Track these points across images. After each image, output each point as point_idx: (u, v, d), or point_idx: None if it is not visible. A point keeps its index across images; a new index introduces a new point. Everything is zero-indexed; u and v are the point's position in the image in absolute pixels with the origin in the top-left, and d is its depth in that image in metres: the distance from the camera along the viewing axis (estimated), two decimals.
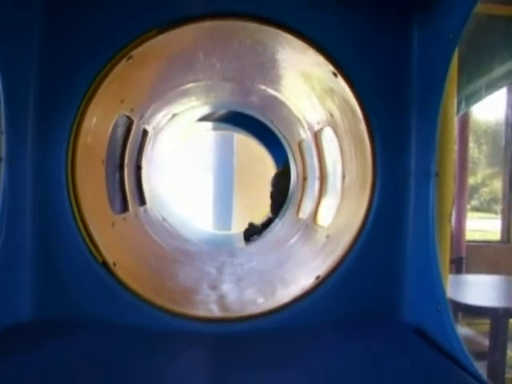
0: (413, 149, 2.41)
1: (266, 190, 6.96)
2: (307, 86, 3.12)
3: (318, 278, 2.57)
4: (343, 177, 3.08)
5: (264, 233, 5.63)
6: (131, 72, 2.64)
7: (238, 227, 6.27)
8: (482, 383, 1.82)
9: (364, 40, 2.46)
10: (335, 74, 2.50)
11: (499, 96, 6.47)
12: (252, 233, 5.73)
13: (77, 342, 2.19)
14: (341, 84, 2.52)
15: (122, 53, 2.39)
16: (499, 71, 3.77)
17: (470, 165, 6.62)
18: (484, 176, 15.11)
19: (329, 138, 3.49)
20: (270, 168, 7.15)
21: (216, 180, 9.76)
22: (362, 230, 2.50)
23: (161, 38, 2.41)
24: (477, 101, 4.11)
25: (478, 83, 3.87)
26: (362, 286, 2.50)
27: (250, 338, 2.38)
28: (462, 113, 4.56)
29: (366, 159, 2.54)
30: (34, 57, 2.31)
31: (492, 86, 3.96)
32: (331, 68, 2.48)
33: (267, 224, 5.96)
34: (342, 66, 2.46)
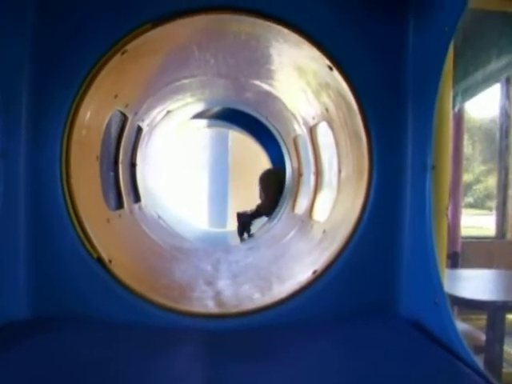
0: (409, 142, 2.40)
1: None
2: (302, 81, 3.11)
3: (314, 272, 2.56)
4: (339, 171, 3.08)
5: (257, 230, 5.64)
6: (125, 67, 2.62)
7: (233, 225, 6.24)
8: (480, 375, 1.81)
9: (359, 33, 2.45)
10: (331, 68, 2.49)
11: (493, 93, 6.48)
12: (245, 223, 5.72)
13: (72, 338, 2.18)
14: (336, 78, 2.51)
15: (116, 47, 2.37)
16: (495, 65, 3.77)
17: (464, 162, 6.61)
18: (478, 173, 15.13)
19: (324, 133, 3.48)
20: (265, 165, 7.13)
21: (211, 177, 9.74)
22: (359, 224, 2.49)
23: (155, 32, 2.39)
24: (473, 94, 4.11)
25: (475, 77, 3.87)
26: (359, 280, 2.49)
27: (247, 333, 2.37)
28: (458, 106, 4.55)
29: (361, 153, 2.54)
30: (27, 50, 2.29)
31: (489, 79, 3.95)
32: (327, 62, 2.47)
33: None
34: (338, 60, 2.45)
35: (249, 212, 6.01)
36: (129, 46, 2.39)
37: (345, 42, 2.45)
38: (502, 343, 3.58)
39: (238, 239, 5.65)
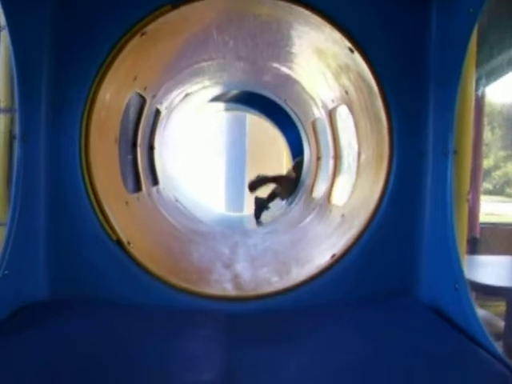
0: (431, 125, 2.37)
1: (278, 171, 6.93)
2: (322, 64, 3.08)
3: (333, 256, 2.55)
4: (359, 155, 3.05)
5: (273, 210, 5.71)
6: (144, 49, 2.62)
7: (250, 209, 6.25)
8: (500, 361, 1.79)
9: (381, 15, 2.41)
10: (352, 50, 2.46)
11: None
12: (261, 206, 5.83)
13: (91, 320, 2.19)
14: (357, 60, 2.48)
15: (135, 28, 2.36)
16: None
17: (483, 147, 6.54)
18: (497, 159, 14.99)
19: (344, 116, 3.45)
20: (282, 149, 7.12)
21: (228, 161, 9.74)
22: (379, 208, 2.47)
23: (175, 13, 2.38)
24: (497, 78, 4.04)
25: (500, 59, 3.79)
26: (379, 265, 2.48)
27: (265, 316, 2.37)
28: (482, 89, 4.49)
29: (382, 136, 2.51)
30: (48, 33, 2.29)
31: None
32: (348, 44, 2.44)
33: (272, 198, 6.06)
34: (359, 42, 2.42)
35: (265, 197, 6.07)
36: (148, 28, 2.38)
37: (366, 24, 2.41)
38: None
39: (254, 223, 5.68)
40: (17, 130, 2.16)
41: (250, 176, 9.34)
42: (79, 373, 1.75)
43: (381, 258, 2.48)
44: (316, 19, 2.42)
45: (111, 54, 2.35)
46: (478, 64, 2.32)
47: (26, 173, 2.21)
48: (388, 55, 2.41)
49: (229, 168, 9.71)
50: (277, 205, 6.11)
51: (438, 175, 2.30)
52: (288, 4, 2.39)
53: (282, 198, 6.08)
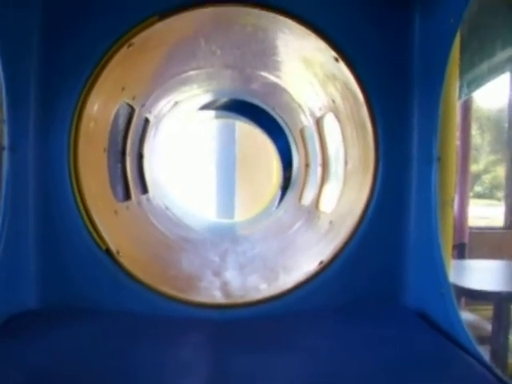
0: (415, 133, 2.41)
1: (269, 178, 6.95)
2: (309, 72, 3.10)
3: (321, 263, 2.58)
4: (345, 162, 3.08)
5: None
6: (132, 59, 2.63)
7: (241, 216, 6.26)
8: (485, 366, 1.82)
9: (365, 25, 2.45)
10: (337, 59, 2.49)
11: (502, 82, 6.43)
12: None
13: (80, 329, 2.20)
14: (342, 69, 2.52)
15: (122, 40, 2.38)
16: (502, 55, 3.72)
17: (473, 152, 6.57)
18: (487, 163, 15.07)
19: (331, 124, 3.48)
20: (272, 156, 7.12)
21: (218, 168, 9.70)
22: (365, 215, 2.50)
23: (162, 24, 2.40)
24: (479, 86, 4.05)
25: (481, 68, 3.82)
26: (365, 271, 2.50)
27: (253, 323, 2.39)
28: (464, 98, 4.50)
29: (368, 144, 2.54)
30: (35, 44, 2.31)
31: (495, 71, 3.89)
32: (333, 53, 2.48)
33: None
34: (344, 51, 2.45)
35: None
36: (135, 39, 2.40)
37: (351, 34, 2.45)
38: (507, 334, 3.58)
39: (245, 229, 5.72)
40: (5, 140, 2.18)
41: (240, 183, 9.38)
42: (67, 382, 1.76)
43: (367, 264, 2.50)
44: (301, 29, 2.45)
45: (99, 65, 2.37)
46: (460, 72, 2.35)
47: (15, 183, 2.22)
48: (372, 65, 2.45)
49: (219, 175, 9.68)
50: None
51: (423, 182, 2.33)
52: (272, 14, 2.42)
53: None
